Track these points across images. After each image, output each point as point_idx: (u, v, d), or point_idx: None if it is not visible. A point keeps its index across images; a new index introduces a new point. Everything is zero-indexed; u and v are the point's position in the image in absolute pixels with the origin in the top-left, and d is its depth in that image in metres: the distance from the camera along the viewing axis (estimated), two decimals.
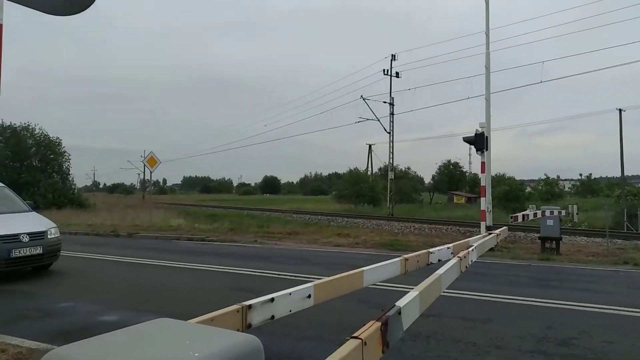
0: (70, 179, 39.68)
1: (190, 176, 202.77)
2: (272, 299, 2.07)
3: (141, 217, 24.50)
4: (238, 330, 1.81)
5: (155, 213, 25.61)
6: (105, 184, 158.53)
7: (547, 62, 45.54)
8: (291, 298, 2.21)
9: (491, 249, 10.72)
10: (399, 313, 1.96)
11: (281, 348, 4.80)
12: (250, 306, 1.92)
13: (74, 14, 2.50)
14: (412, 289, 2.29)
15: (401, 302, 2.04)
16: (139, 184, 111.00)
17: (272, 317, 2.08)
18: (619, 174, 43.65)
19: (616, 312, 6.50)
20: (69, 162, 39.30)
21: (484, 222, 13.58)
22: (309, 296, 2.34)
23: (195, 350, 1.06)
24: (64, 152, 38.75)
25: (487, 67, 16.08)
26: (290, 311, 2.21)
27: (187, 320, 1.42)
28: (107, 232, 18.84)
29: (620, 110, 40.06)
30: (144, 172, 72.26)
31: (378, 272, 3.06)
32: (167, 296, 7.64)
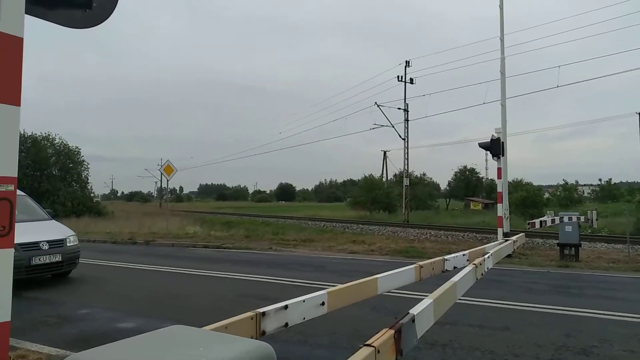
0: (89, 187, 40.39)
1: (206, 184, 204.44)
2: (286, 307, 2.08)
3: (158, 225, 24.76)
4: (252, 338, 1.82)
5: (172, 221, 25.86)
6: (123, 192, 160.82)
7: (564, 67, 44.98)
8: (305, 305, 2.22)
9: (508, 256, 10.60)
10: (413, 321, 1.95)
11: (296, 356, 4.80)
12: (264, 313, 1.93)
13: (92, 26, 2.57)
14: (427, 296, 2.28)
15: (415, 310, 2.03)
16: (156, 192, 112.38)
17: (286, 324, 2.09)
18: (639, 179, 42.69)
19: (638, 320, 6.35)
20: (88, 170, 40.02)
21: (501, 229, 13.41)
22: (323, 304, 2.34)
23: (208, 357, 1.08)
24: (83, 160, 39.48)
25: (503, 73, 15.95)
26: (304, 319, 2.22)
27: (201, 328, 1.44)
28: (125, 240, 19.08)
29: (639, 114, 39.32)
30: (161, 180, 73.15)
31: (392, 279, 3.05)
32: (182, 303, 7.70)
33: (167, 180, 21.60)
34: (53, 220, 10.64)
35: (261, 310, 1.93)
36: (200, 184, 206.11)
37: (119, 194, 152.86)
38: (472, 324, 6.08)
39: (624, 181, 78.45)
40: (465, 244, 16.83)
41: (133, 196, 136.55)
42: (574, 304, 7.29)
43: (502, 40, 16.43)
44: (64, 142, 38.56)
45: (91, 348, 1.10)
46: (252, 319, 1.86)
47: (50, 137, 37.86)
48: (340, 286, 2.52)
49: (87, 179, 40.06)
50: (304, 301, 2.20)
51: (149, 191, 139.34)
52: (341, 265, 12.11)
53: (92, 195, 41.04)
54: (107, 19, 2.58)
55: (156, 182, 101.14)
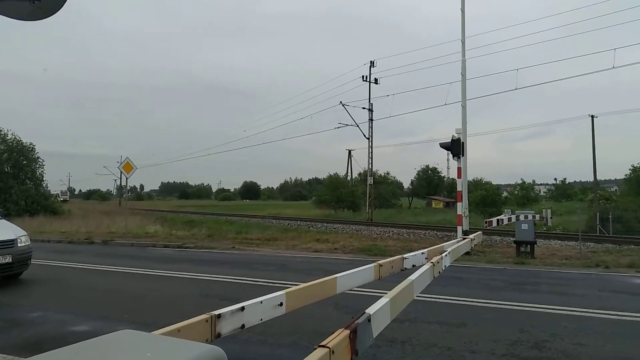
0: (44, 185, 38.79)
1: (168, 182, 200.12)
2: (243, 308, 2.05)
3: (117, 224, 24.07)
4: (207, 341, 1.79)
5: (131, 220, 25.20)
6: (80, 190, 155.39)
7: (523, 70, 46.53)
8: (262, 306, 2.20)
9: (467, 253, 10.85)
10: (369, 320, 1.96)
11: (256, 356, 4.76)
12: (219, 315, 1.90)
13: (41, 18, 2.46)
14: (385, 295, 2.30)
15: (371, 309, 2.05)
16: (115, 190, 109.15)
17: (243, 326, 2.06)
18: (592, 179, 44.77)
19: (587, 314, 6.64)
20: (43, 168, 38.40)
21: (461, 227, 13.73)
22: (281, 304, 2.33)
23: None
24: (38, 157, 37.85)
25: (463, 75, 16.31)
26: (262, 320, 2.20)
27: (153, 331, 1.40)
28: (81, 240, 18.45)
29: (592, 116, 41.15)
30: (120, 178, 71.12)
31: (352, 278, 3.07)
32: (141, 305, 7.51)
33: (127, 178, 21.03)
34: (3, 220, 10.17)
35: (216, 312, 1.90)
36: (161, 182, 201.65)
37: (76, 192, 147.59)
38: (431, 320, 6.21)
39: (578, 181, 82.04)
40: (427, 242, 17.17)
41: (91, 194, 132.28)
42: (529, 299, 7.55)
43: (463, 42, 16.81)
44: (17, 137, 36.88)
45: (40, 354, 1.05)
46: (207, 321, 1.83)
47: (2, 132, 36.13)
48: (298, 286, 2.52)
49: (42, 176, 38.48)
50: (261, 302, 2.18)
51: (108, 189, 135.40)
52: (304, 264, 12.12)
53: (48, 193, 39.49)
54: (57, 11, 2.48)
55: (115, 180, 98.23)
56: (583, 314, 6.67)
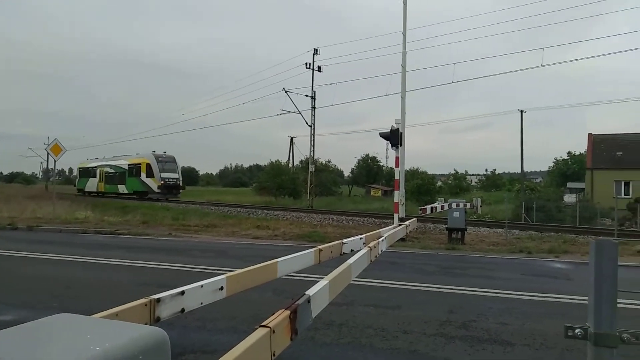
0: None
1: None
2: (183, 292, 2.05)
3: (43, 209, 22.68)
4: (146, 325, 1.78)
5: (60, 205, 23.83)
6: (2, 173, 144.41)
7: (460, 64, 48.38)
8: (203, 290, 2.20)
9: (402, 239, 11.28)
10: (309, 301, 2.03)
11: (194, 341, 4.74)
12: (159, 300, 1.89)
13: None
14: (323, 278, 2.38)
15: (311, 291, 2.11)
16: (41, 174, 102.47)
17: (183, 310, 2.06)
18: (519, 170, 47.70)
19: (511, 296, 7.14)
20: None
21: (397, 214, 14.22)
22: (222, 288, 2.34)
23: (96, 345, 1.04)
24: None
25: (404, 66, 16.76)
26: (202, 304, 2.20)
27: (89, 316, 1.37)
28: (4, 225, 17.24)
29: (521, 111, 43.72)
30: (47, 161, 66.81)
31: (292, 263, 3.13)
32: (70, 293, 7.19)
33: (55, 161, 19.85)
34: None
35: (156, 296, 1.88)
36: None
37: None
38: (367, 303, 6.43)
39: (507, 172, 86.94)
40: (365, 229, 17.60)
41: (14, 177, 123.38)
42: (458, 283, 7.99)
43: (404, 35, 17.23)
44: None
45: None
46: (145, 305, 1.82)
47: None
48: (239, 270, 2.54)
49: None
50: (201, 286, 2.18)
51: (34, 172, 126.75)
52: (244, 251, 12.07)
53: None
54: None
55: (42, 163, 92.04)
56: (507, 295, 7.16)
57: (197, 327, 5.11)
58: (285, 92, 36.79)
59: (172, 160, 42.87)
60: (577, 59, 23.21)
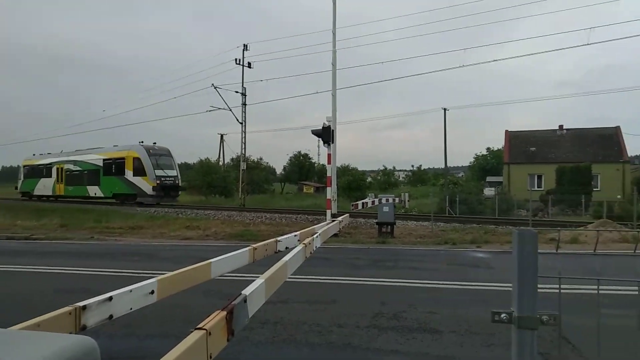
0: None
1: (11, 166, 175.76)
2: (110, 298, 1.95)
3: None
4: (71, 334, 1.67)
5: None
6: None
7: (387, 64, 49.83)
8: (132, 295, 2.11)
9: (335, 235, 11.45)
10: (245, 301, 2.01)
11: (124, 348, 4.53)
12: (84, 307, 1.79)
13: None
14: (259, 276, 2.36)
15: (247, 291, 2.09)
16: None
17: (111, 316, 1.96)
18: (443, 166, 50.11)
19: (438, 285, 7.48)
20: None
21: (330, 210, 14.43)
22: (152, 292, 2.25)
23: (17, 359, 0.96)
24: None
25: (334, 64, 17.01)
26: (131, 309, 2.11)
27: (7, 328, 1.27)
28: None
29: (445, 109, 45.96)
30: None
31: (226, 262, 3.07)
32: None
33: None
34: None
35: (81, 303, 1.78)
36: (2, 167, 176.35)
37: None
38: (302, 300, 6.47)
39: (432, 167, 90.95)
40: (298, 226, 17.67)
41: None
42: (389, 275, 8.26)
43: (334, 33, 17.47)
44: None
45: None
46: (70, 313, 1.71)
47: None
48: (171, 273, 2.46)
49: None
50: (130, 291, 2.09)
51: None
52: (174, 252, 11.69)
53: None
54: None
55: None
56: (435, 285, 7.50)
57: (127, 334, 4.89)
58: (215, 88, 35.99)
59: (167, 153, 34.08)
60: (495, 60, 24.74)
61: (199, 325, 1.56)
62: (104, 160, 35.05)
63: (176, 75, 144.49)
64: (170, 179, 32.52)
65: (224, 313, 1.73)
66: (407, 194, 17.00)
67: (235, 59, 37.38)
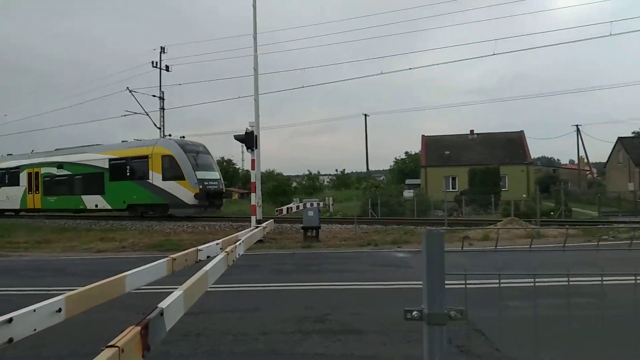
0: None
1: None
2: (10, 320, 1.79)
3: None
4: None
5: None
6: None
7: (310, 69, 50.46)
8: (36, 315, 1.95)
9: (260, 241, 11.35)
10: (162, 314, 1.93)
11: None
12: None
13: None
14: (177, 288, 2.29)
15: (164, 304, 2.01)
16: None
17: (11, 340, 1.80)
18: (365, 169, 51.57)
19: (361, 286, 7.68)
20: None
21: (255, 216, 14.30)
22: (60, 310, 2.10)
23: None
24: None
25: (256, 69, 16.92)
26: (35, 330, 1.95)
27: None
28: None
29: (365, 115, 47.44)
30: None
31: (143, 275, 2.93)
32: None
33: None
34: None
35: None
36: None
37: None
38: (227, 309, 6.35)
39: (355, 171, 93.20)
40: (222, 233, 17.30)
41: None
42: (314, 279, 8.35)
43: (255, 38, 17.39)
44: None
45: None
46: None
47: None
48: (81, 289, 2.30)
49: None
50: (34, 310, 1.93)
51: None
52: (85, 267, 10.99)
53: None
54: None
55: None
56: (358, 286, 7.69)
57: (32, 356, 4.51)
58: (130, 91, 34.34)
59: (205, 150, 26.25)
60: (411, 68, 25.93)
61: (111, 343, 1.48)
62: (111, 160, 26.35)
63: (91, 78, 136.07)
64: (214, 183, 24.93)
65: (139, 328, 1.65)
66: (331, 198, 17.31)
67: (153, 62, 36.02)
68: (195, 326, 5.37)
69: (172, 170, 23.85)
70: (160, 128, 36.04)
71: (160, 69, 36.20)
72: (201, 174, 23.94)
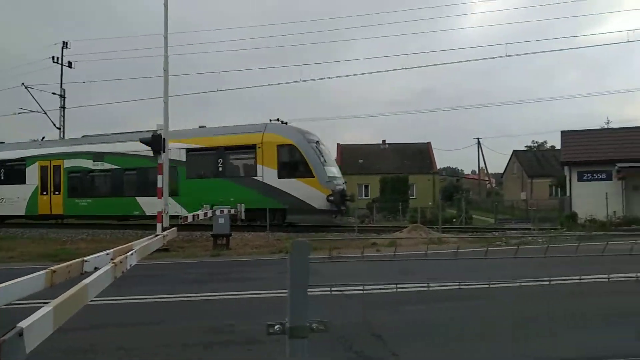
0: None
1: None
2: None
3: None
4: None
5: None
6: None
7: (225, 73, 49.60)
8: None
9: (166, 250, 10.85)
10: (21, 334, 1.73)
11: None
12: None
13: None
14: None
15: (26, 322, 1.80)
16: None
17: None
18: None
19: (267, 295, 7.55)
20: None
21: (161, 224, 13.64)
22: None
23: None
24: None
25: (166, 70, 16.22)
26: None
27: None
28: None
29: (285, 123, 47.55)
30: None
31: (14, 289, 2.63)
32: None
33: None
34: None
35: None
36: None
37: None
38: (124, 323, 5.95)
39: None
40: (124, 242, 16.31)
41: None
42: (222, 288, 8.09)
43: (166, 38, 16.69)
44: None
45: None
46: None
47: None
48: None
49: None
50: None
51: None
52: None
53: None
54: None
55: None
56: (265, 295, 7.55)
57: None
58: (25, 87, 31.48)
59: (321, 141, 20.86)
60: (330, 77, 26.42)
61: None
62: (188, 150, 19.88)
63: None
64: (342, 182, 20.37)
65: None
66: (243, 205, 16.98)
67: (53, 57, 33.33)
68: (82, 342, 4.94)
69: (294, 165, 18.74)
70: (59, 128, 33.38)
71: (62, 65, 33.61)
72: (331, 172, 19.32)
